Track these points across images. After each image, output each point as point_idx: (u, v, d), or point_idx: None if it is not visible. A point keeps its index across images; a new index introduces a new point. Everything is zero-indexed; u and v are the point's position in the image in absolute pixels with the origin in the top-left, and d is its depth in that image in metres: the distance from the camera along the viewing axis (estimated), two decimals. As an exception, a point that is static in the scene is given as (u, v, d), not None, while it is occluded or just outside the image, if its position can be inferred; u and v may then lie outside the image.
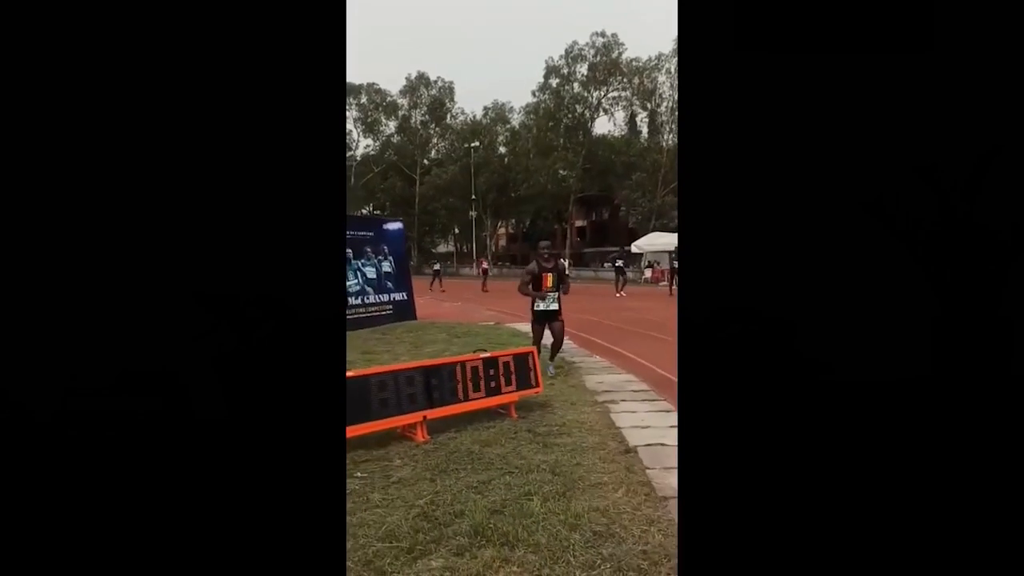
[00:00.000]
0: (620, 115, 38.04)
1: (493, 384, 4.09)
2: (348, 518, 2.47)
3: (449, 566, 2.10)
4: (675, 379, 4.00)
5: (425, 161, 42.46)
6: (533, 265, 5.51)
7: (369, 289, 9.78)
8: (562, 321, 5.53)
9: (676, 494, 2.55)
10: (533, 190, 37.57)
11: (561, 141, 36.98)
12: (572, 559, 2.14)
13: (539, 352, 4.71)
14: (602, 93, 36.82)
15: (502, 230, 48.06)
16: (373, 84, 41.54)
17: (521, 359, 4.30)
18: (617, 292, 17.17)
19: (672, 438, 3.57)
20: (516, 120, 41.35)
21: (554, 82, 37.09)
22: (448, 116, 42.70)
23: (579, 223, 44.07)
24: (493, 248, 42.57)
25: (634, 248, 27.42)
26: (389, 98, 41.98)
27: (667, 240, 25.26)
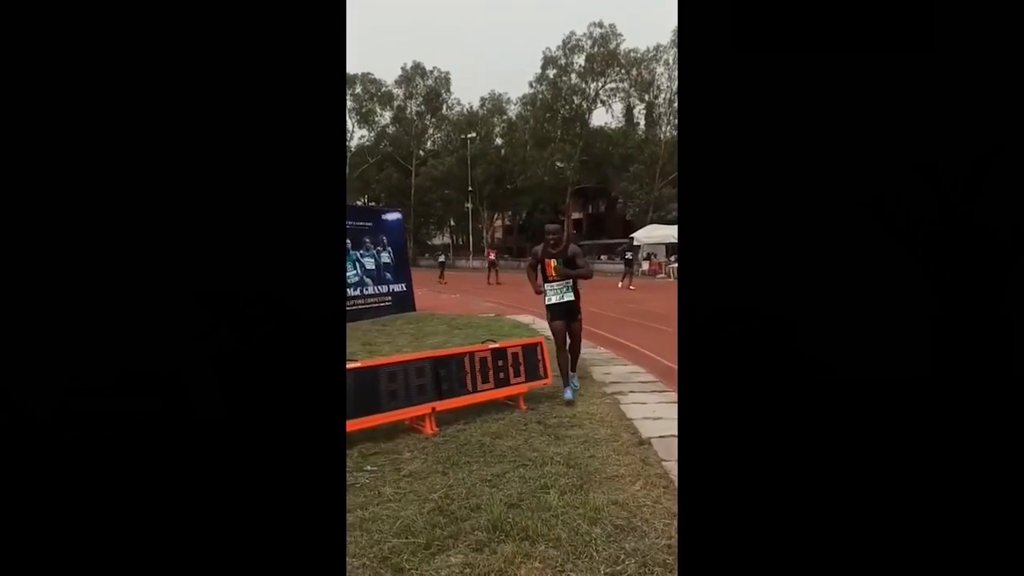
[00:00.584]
0: (618, 107, 37.86)
1: (502, 375, 4.03)
2: (361, 512, 2.41)
3: (469, 562, 2.04)
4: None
5: (421, 152, 42.16)
6: (538, 248, 4.59)
7: (368, 280, 9.70)
8: (580, 321, 4.50)
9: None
10: (530, 182, 37.38)
11: (558, 133, 36.76)
12: (595, 554, 2.08)
13: (560, 358, 4.35)
14: (600, 84, 36.60)
15: (498, 222, 47.84)
16: (368, 74, 41.17)
17: (530, 350, 4.24)
18: (620, 284, 16.96)
19: (686, 430, 3.51)
20: (513, 111, 41.06)
21: (551, 73, 36.83)
22: (444, 107, 42.38)
23: (576, 215, 43.91)
24: (489, 240, 42.35)
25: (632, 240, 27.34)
26: (384, 88, 41.59)
27: (665, 232, 25.20)
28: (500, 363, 4.02)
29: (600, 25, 35.18)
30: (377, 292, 9.85)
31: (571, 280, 4.33)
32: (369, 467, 2.98)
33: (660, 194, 33.13)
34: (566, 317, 4.39)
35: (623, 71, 35.68)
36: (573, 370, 4.48)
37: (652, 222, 30.14)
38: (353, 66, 40.04)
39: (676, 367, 5.86)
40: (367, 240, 9.79)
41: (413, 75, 41.18)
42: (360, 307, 9.32)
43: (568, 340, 4.43)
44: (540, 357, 4.29)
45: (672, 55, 32.51)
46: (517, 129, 39.70)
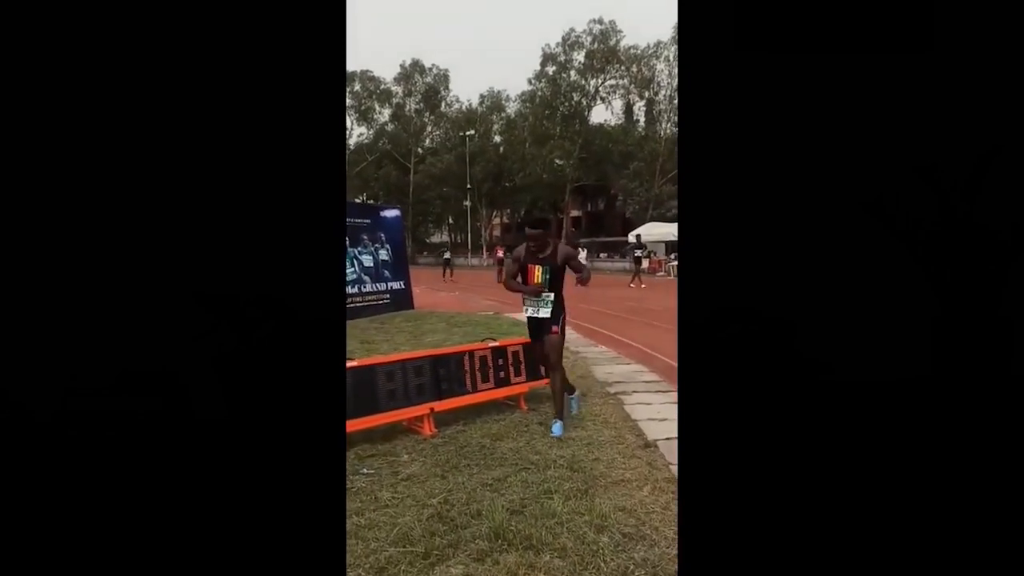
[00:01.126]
0: (617, 103, 37.74)
1: (502, 374, 3.92)
2: (356, 519, 2.32)
3: (470, 573, 1.95)
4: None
5: (419, 150, 42.03)
6: (521, 249, 3.63)
7: (366, 278, 9.61)
8: (558, 333, 3.56)
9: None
10: (529, 179, 37.28)
11: (557, 130, 36.64)
12: (603, 564, 1.99)
13: (555, 379, 3.57)
14: (599, 81, 36.49)
15: (497, 220, 47.70)
16: (367, 71, 40.98)
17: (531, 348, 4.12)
18: (632, 283, 16.71)
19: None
20: (512, 108, 40.95)
21: (551, 70, 36.71)
22: (443, 104, 42.22)
23: (575, 213, 43.81)
24: (487, 238, 42.22)
25: (631, 238, 27.24)
26: (383, 85, 41.40)
27: (665, 230, 25.11)
28: (500, 362, 3.92)
29: (600, 21, 35.13)
30: (375, 290, 9.75)
31: (553, 293, 3.53)
32: (366, 470, 2.88)
33: (660, 191, 33.03)
34: (539, 333, 3.61)
35: (623, 68, 35.58)
36: (558, 414, 3.53)
37: (652, 219, 30.05)
38: (352, 63, 39.88)
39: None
40: (365, 237, 9.69)
41: (412, 72, 41.04)
42: (358, 305, 9.23)
43: (546, 358, 3.64)
44: (541, 356, 4.18)
45: (672, 52, 32.35)
46: (516, 126, 39.59)
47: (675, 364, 5.46)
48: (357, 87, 40.74)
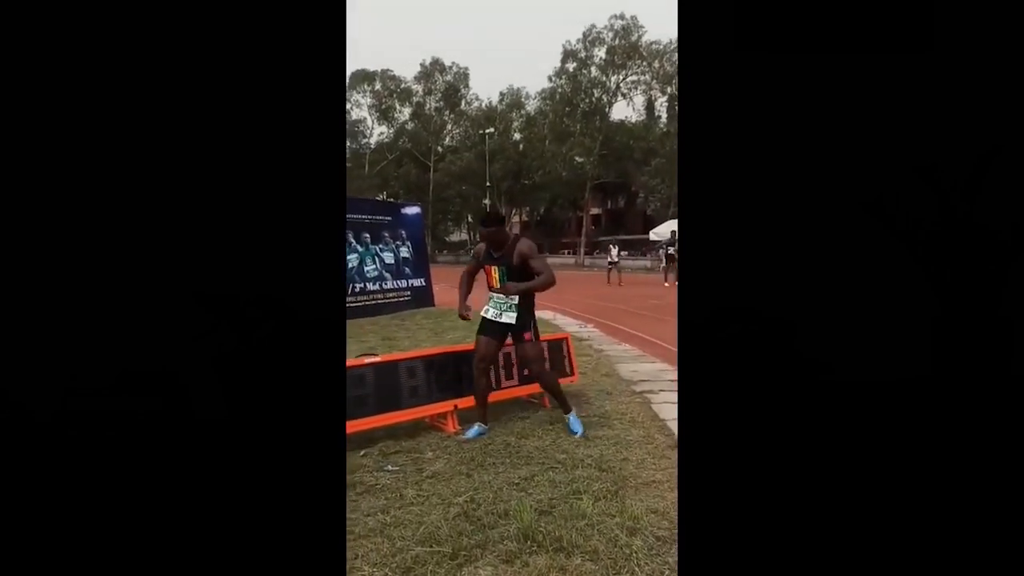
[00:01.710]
0: (639, 100, 37.20)
1: (526, 372, 3.84)
2: (382, 516, 2.29)
3: (498, 575, 1.87)
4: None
5: (439, 148, 42.14)
6: (482, 247, 3.34)
7: (387, 275, 9.65)
8: (531, 340, 3.23)
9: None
10: (548, 177, 37.07)
11: (578, 127, 36.30)
12: (637, 568, 1.91)
13: (481, 380, 3.29)
14: (621, 77, 36.04)
15: (516, 218, 47.63)
16: (388, 71, 41.25)
17: (555, 345, 4.06)
18: (666, 282, 16.33)
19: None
20: (532, 106, 40.73)
21: (571, 66, 36.37)
22: (463, 102, 42.24)
23: (595, 211, 43.45)
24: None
25: (652, 236, 26.90)
26: (403, 84, 41.60)
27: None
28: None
29: (622, 17, 34.62)
30: (396, 287, 9.79)
31: (518, 296, 3.16)
32: (390, 467, 2.84)
33: (681, 189, 32.42)
34: (499, 334, 3.25)
35: (645, 63, 35.07)
36: (566, 409, 3.35)
37: (673, 217, 29.61)
38: (373, 63, 40.22)
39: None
40: (386, 235, 9.73)
41: (432, 71, 41.15)
42: (379, 302, 9.29)
43: (527, 369, 3.29)
44: (566, 353, 4.12)
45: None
46: (536, 124, 39.39)
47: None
48: (378, 86, 41.09)
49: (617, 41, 34.89)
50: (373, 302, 9.16)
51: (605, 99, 36.59)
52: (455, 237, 47.37)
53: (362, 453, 3.01)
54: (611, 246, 19.82)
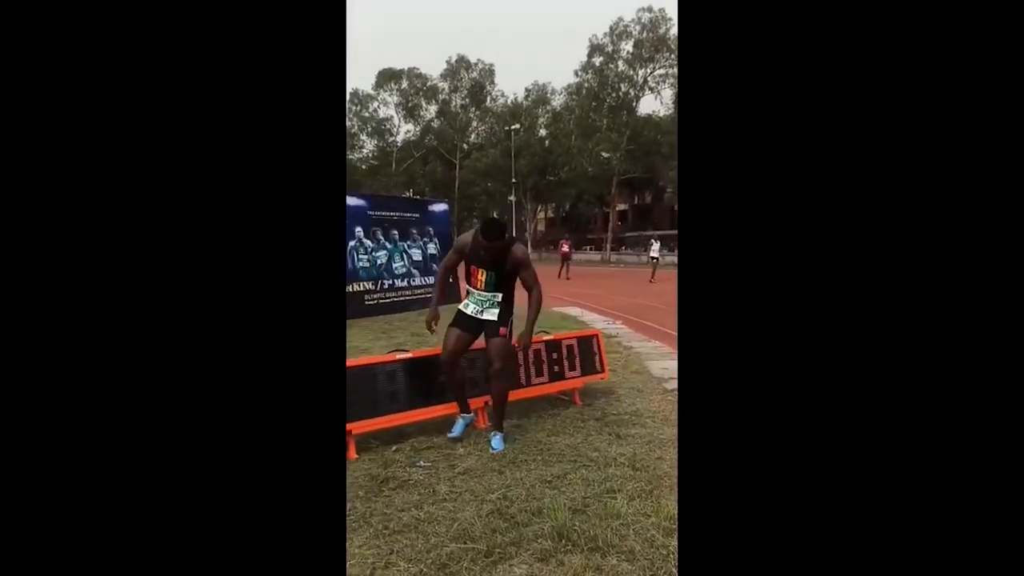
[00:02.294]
0: (667, 93, 36.55)
1: (556, 368, 3.82)
2: (415, 511, 2.30)
3: (534, 573, 1.86)
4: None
5: (465, 145, 42.30)
6: (466, 237, 3.14)
7: (415, 271, 9.71)
8: (505, 336, 3.10)
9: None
10: (574, 173, 36.82)
11: (604, 122, 35.95)
12: (675, 570, 1.86)
13: (452, 370, 3.15)
14: (648, 71, 35.52)
15: (541, 214, 47.46)
16: (414, 69, 41.58)
17: (585, 342, 4.02)
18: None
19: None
20: (558, 101, 40.51)
21: (598, 61, 36.02)
22: (488, 99, 42.28)
23: (621, 206, 42.99)
24: (532, 232, 42.05)
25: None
26: (430, 82, 41.85)
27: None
28: (555, 356, 3.81)
29: (649, 10, 34.12)
30: (424, 283, 9.85)
31: (502, 293, 3.08)
32: (423, 462, 2.85)
33: (710, 183, 31.81)
34: (474, 330, 3.13)
35: (673, 56, 34.44)
36: (497, 425, 3.12)
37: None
38: (399, 61, 40.53)
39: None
40: (414, 231, 9.80)
41: (458, 68, 41.31)
42: (407, 298, 9.37)
43: (492, 365, 3.08)
44: (596, 350, 4.07)
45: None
46: (562, 119, 39.18)
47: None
48: (404, 84, 41.47)
49: (644, 34, 34.39)
50: (401, 298, 9.24)
51: (632, 93, 36.12)
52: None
53: (394, 448, 3.03)
54: (652, 240, 19.19)
